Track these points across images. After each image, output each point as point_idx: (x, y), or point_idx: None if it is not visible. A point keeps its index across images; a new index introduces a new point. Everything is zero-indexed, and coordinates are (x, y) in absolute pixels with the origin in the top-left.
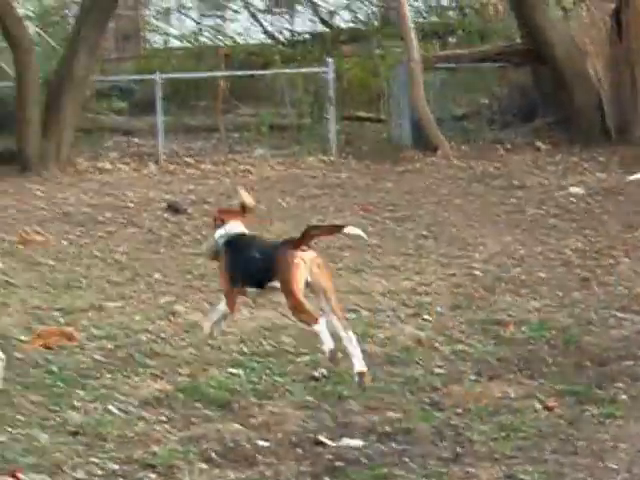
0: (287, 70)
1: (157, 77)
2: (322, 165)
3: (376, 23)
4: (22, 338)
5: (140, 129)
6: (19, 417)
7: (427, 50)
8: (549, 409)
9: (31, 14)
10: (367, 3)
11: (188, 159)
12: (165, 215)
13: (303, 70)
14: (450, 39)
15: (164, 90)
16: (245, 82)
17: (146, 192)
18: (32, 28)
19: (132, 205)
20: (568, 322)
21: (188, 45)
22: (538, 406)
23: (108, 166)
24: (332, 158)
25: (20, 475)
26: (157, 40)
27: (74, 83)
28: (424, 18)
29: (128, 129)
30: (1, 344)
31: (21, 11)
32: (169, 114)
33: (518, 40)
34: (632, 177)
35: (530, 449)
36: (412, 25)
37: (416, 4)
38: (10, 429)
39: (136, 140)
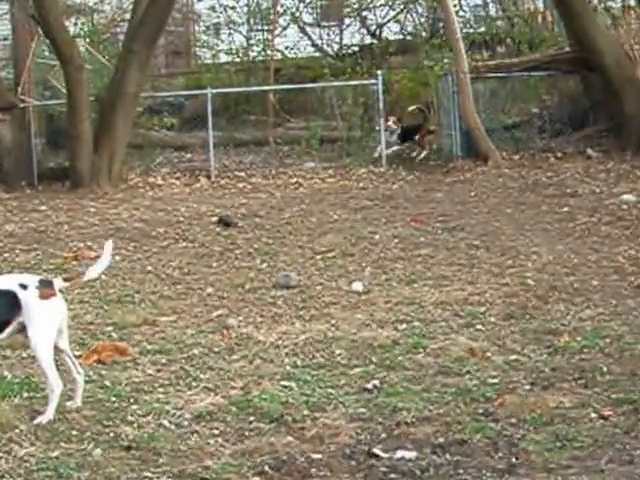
0: (336, 83)
1: (208, 92)
2: (373, 177)
3: (424, 34)
4: (76, 353)
5: (191, 144)
6: (73, 432)
7: (476, 60)
8: (604, 418)
9: (82, 32)
10: (415, 15)
11: (239, 173)
12: (217, 229)
13: (352, 83)
14: (499, 49)
15: (214, 105)
16: (295, 96)
17: (198, 207)
18: (83, 46)
19: (184, 220)
20: (622, 330)
21: (237, 60)
22: (593, 415)
23: (160, 181)
24: (382, 169)
25: None
26: (207, 56)
27: (125, 99)
28: (472, 28)
29: (179, 144)
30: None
31: (72, 29)
32: (219, 129)
33: (567, 48)
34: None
35: (586, 459)
36: (460, 35)
37: (464, 14)
38: (64, 444)
39: (187, 155)
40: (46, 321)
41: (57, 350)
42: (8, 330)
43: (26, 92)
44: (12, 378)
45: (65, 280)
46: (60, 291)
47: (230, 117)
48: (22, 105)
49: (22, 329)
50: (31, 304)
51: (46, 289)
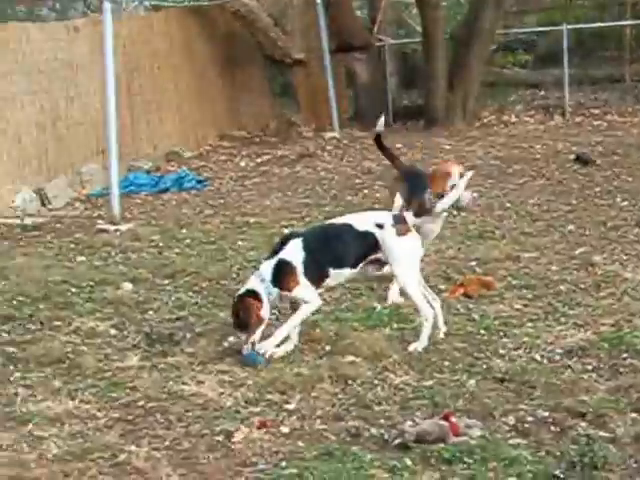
0: None
1: (564, 28)
2: None
3: None
4: (441, 287)
5: (544, 82)
6: (445, 363)
7: None
8: None
9: None
10: None
11: (594, 110)
12: (574, 167)
13: None
14: None
15: (567, 41)
16: None
17: (553, 144)
18: None
19: (540, 157)
20: None
21: None
22: None
23: (513, 119)
24: None
25: (452, 419)
26: None
27: (480, 37)
28: None
29: (532, 82)
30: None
31: None
32: (573, 65)
33: None
34: None
35: None
36: None
37: None
38: (437, 374)
39: (541, 93)
40: (408, 256)
41: None
42: (360, 265)
43: (381, 31)
44: (381, 309)
45: (416, 215)
46: (413, 226)
47: (584, 54)
48: (378, 44)
49: (373, 263)
50: (390, 242)
51: (401, 226)
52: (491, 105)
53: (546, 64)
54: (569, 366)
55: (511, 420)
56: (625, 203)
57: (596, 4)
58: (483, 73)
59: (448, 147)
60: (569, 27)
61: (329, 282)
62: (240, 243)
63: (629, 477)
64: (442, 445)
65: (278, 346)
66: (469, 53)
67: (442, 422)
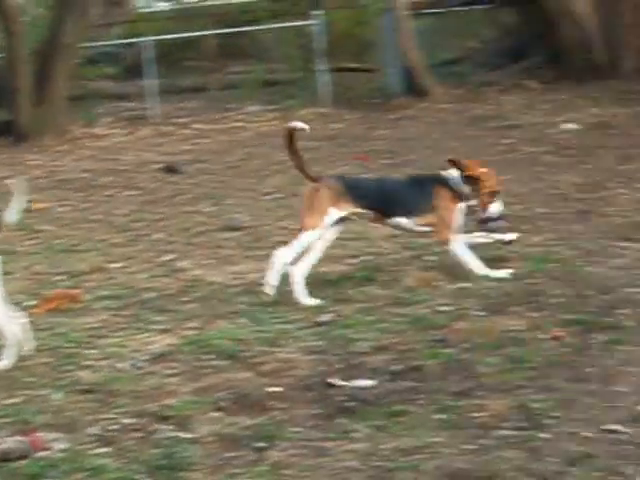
0: (273, 25)
1: (148, 39)
2: (316, 117)
3: None
4: (29, 303)
5: (132, 93)
6: (31, 379)
7: None
8: (556, 339)
9: None
10: None
11: (182, 120)
12: (162, 176)
13: (289, 24)
14: None
15: (154, 53)
16: (234, 40)
17: (142, 155)
18: None
19: (129, 168)
20: (570, 254)
21: (176, 7)
22: (545, 337)
23: (103, 132)
24: (325, 110)
25: (36, 434)
26: (145, 4)
27: (63, 51)
28: None
29: (120, 94)
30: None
31: None
32: (161, 76)
33: None
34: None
35: (539, 378)
36: None
37: None
38: (24, 391)
39: (130, 104)
40: None
41: None
42: None
43: None
44: None
45: None
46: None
47: (169, 64)
48: None
49: None
50: None
51: None
52: (80, 119)
53: (133, 75)
54: (154, 372)
55: (96, 430)
56: (211, 208)
57: (180, 15)
58: (69, 87)
59: (38, 163)
60: (154, 38)
61: None
62: None
63: (211, 474)
64: (25, 461)
65: None
66: (53, 67)
67: (23, 438)
